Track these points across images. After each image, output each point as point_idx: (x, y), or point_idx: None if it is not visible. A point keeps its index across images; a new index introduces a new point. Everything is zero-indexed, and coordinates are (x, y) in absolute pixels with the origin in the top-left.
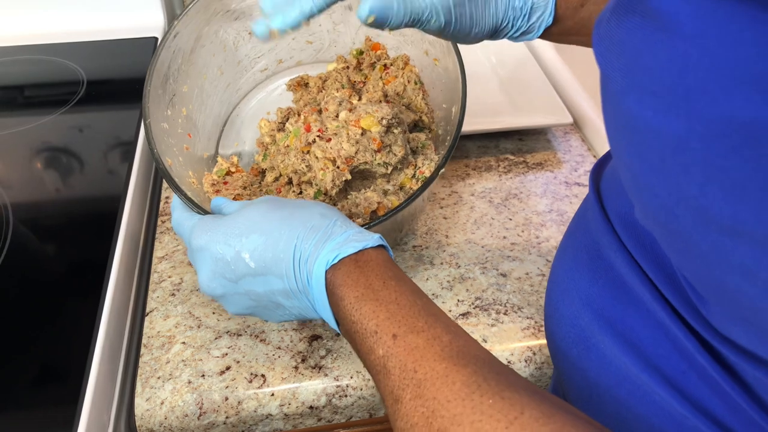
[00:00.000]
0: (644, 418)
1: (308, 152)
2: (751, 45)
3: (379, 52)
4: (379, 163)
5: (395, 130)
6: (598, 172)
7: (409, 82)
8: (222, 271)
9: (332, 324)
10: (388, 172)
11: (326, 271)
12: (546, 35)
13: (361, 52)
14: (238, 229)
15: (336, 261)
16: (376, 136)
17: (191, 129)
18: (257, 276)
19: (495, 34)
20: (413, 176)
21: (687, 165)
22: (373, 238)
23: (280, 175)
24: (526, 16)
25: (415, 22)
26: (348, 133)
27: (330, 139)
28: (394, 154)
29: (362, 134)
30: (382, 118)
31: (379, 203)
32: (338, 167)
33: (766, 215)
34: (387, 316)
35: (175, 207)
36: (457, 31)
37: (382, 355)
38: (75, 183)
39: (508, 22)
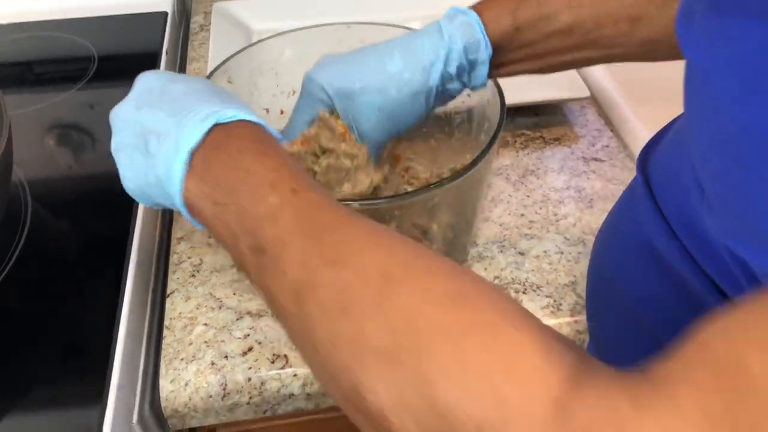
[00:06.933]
0: None
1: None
2: None
3: None
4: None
5: None
6: (645, 159)
7: None
8: (138, 98)
9: (177, 173)
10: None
11: (218, 125)
12: (496, 69)
13: None
14: (179, 77)
15: (234, 119)
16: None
17: None
18: (155, 108)
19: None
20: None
21: None
22: (271, 128)
23: None
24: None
25: None
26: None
27: None
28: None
29: None
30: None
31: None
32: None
33: None
34: (291, 174)
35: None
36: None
37: (275, 204)
38: (88, 160)
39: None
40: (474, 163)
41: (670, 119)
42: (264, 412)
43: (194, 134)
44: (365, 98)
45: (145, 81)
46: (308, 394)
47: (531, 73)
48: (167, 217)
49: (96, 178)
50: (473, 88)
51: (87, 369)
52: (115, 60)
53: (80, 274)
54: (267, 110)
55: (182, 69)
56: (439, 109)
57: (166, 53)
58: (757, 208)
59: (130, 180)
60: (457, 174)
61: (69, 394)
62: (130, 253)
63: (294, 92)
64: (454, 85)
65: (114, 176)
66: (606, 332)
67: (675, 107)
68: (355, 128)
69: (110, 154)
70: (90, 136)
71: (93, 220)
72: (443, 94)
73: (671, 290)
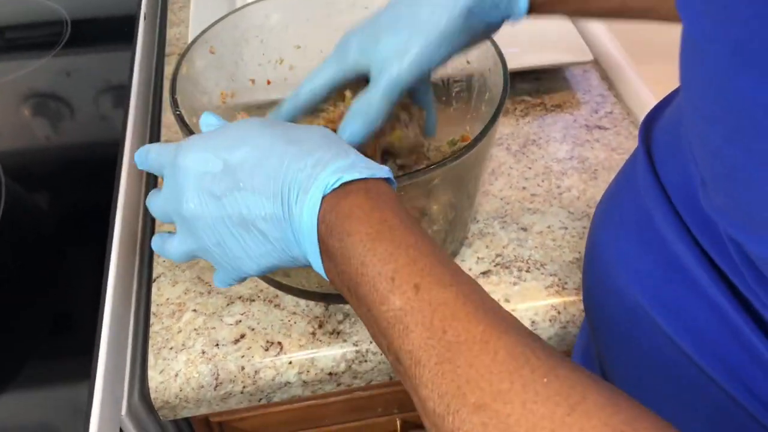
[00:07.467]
0: (695, 406)
1: None
2: None
3: None
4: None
5: None
6: (647, 129)
7: None
8: (208, 185)
9: (317, 263)
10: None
11: (324, 198)
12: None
13: None
14: (228, 141)
15: (337, 185)
16: None
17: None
18: (245, 192)
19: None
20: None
21: None
22: (382, 169)
23: None
24: None
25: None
26: None
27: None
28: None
29: None
30: None
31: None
32: None
33: None
34: (407, 262)
35: (149, 147)
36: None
37: (400, 308)
38: (66, 130)
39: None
40: (477, 140)
41: (677, 83)
42: (259, 401)
43: (305, 219)
44: (394, 39)
45: (195, 162)
46: (304, 382)
47: (568, 15)
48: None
49: (76, 149)
50: (514, 17)
51: (69, 366)
52: (90, 24)
53: (60, 255)
54: (252, 81)
55: (162, 35)
56: (437, 77)
57: (144, 17)
58: (753, 192)
59: (257, 266)
60: (458, 153)
61: (51, 387)
62: (113, 234)
63: (282, 61)
64: (493, 15)
65: (96, 146)
66: (600, 310)
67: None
68: (386, 71)
69: (91, 123)
70: (68, 105)
71: (74, 195)
72: (482, 24)
73: (668, 269)
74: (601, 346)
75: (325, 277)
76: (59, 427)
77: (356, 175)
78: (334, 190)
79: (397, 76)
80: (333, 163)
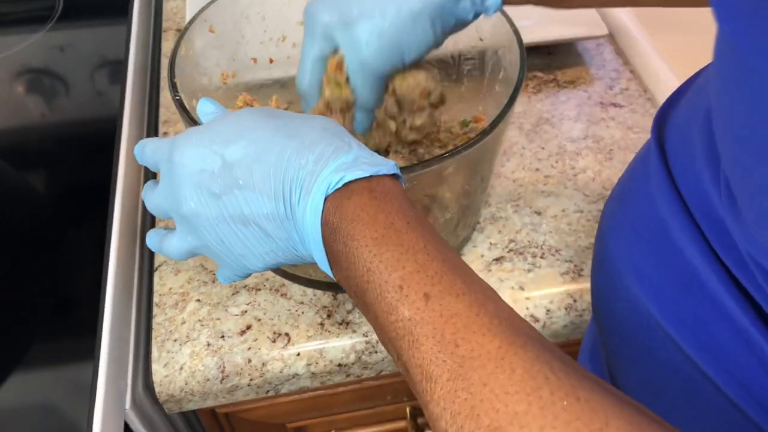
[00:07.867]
0: (707, 421)
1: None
2: None
3: None
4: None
5: None
6: (661, 122)
7: None
8: (207, 183)
9: (324, 264)
10: None
11: (326, 198)
12: None
13: None
14: (225, 134)
15: (340, 185)
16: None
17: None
18: (245, 190)
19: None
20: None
21: None
22: (388, 164)
23: None
24: None
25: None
26: None
27: None
28: None
29: None
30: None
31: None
32: None
33: None
34: (416, 269)
35: (145, 142)
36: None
37: (409, 319)
38: (62, 107)
39: None
40: (493, 125)
41: (694, 53)
42: (266, 393)
43: (309, 221)
44: (363, 25)
45: (191, 159)
46: (313, 373)
47: (547, 5)
48: (150, 178)
49: (73, 126)
50: (485, 12)
51: (71, 356)
52: None
53: (58, 239)
54: (254, 60)
55: (158, 9)
56: (447, 54)
57: None
58: None
59: (262, 263)
60: (474, 140)
61: (53, 376)
62: (112, 218)
63: (284, 38)
64: (464, 5)
65: (93, 122)
66: (610, 314)
67: (698, 37)
68: (357, 59)
69: (87, 99)
70: (63, 82)
71: (71, 174)
72: (453, 17)
73: (685, 283)
74: (609, 349)
75: (333, 278)
76: (63, 408)
77: (359, 174)
78: (337, 189)
79: (378, 74)
80: (335, 160)
